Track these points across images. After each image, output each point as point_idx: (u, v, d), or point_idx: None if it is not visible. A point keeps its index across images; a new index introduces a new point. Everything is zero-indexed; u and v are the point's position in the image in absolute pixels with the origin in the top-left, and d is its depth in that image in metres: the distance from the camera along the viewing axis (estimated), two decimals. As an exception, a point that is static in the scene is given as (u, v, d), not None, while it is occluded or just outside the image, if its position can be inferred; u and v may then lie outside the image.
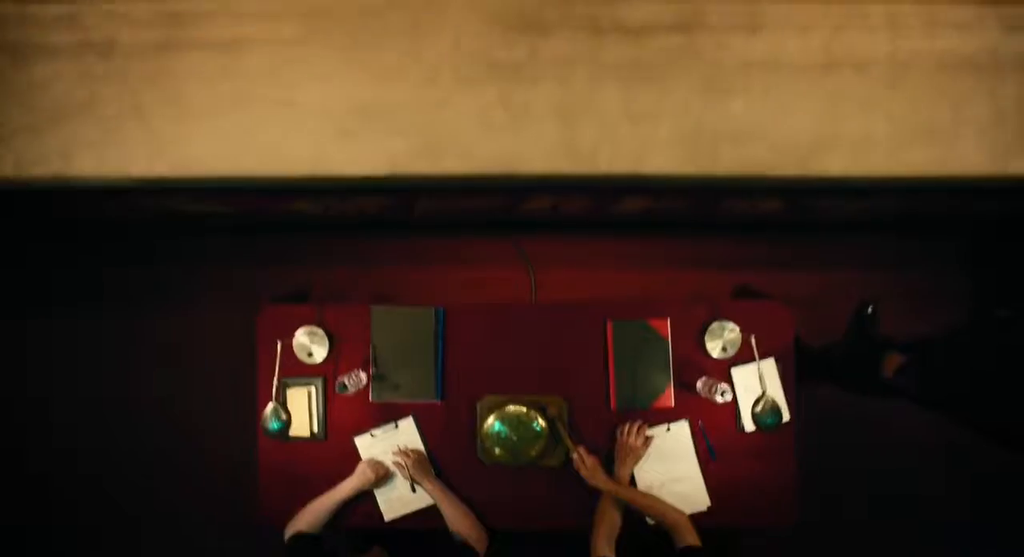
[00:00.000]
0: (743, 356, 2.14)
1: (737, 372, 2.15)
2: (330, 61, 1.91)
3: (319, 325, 2.17)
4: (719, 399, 2.01)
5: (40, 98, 1.95)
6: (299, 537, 1.99)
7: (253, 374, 2.16)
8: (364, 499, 2.17)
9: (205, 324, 2.83)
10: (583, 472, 2.04)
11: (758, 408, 1.93)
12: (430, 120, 1.90)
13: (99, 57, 1.94)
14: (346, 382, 2.04)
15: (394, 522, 2.18)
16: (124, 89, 1.94)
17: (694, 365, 2.18)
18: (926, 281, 2.88)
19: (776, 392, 2.13)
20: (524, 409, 2.12)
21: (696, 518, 2.07)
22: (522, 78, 1.89)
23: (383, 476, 2.14)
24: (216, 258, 2.92)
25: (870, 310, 2.77)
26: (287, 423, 1.95)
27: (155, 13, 1.94)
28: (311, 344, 2.16)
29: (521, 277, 2.91)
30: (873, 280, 2.92)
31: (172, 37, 1.94)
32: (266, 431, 1.95)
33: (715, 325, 2.15)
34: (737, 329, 2.13)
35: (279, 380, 2.04)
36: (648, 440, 2.14)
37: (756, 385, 2.05)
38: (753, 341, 1.98)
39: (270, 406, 1.92)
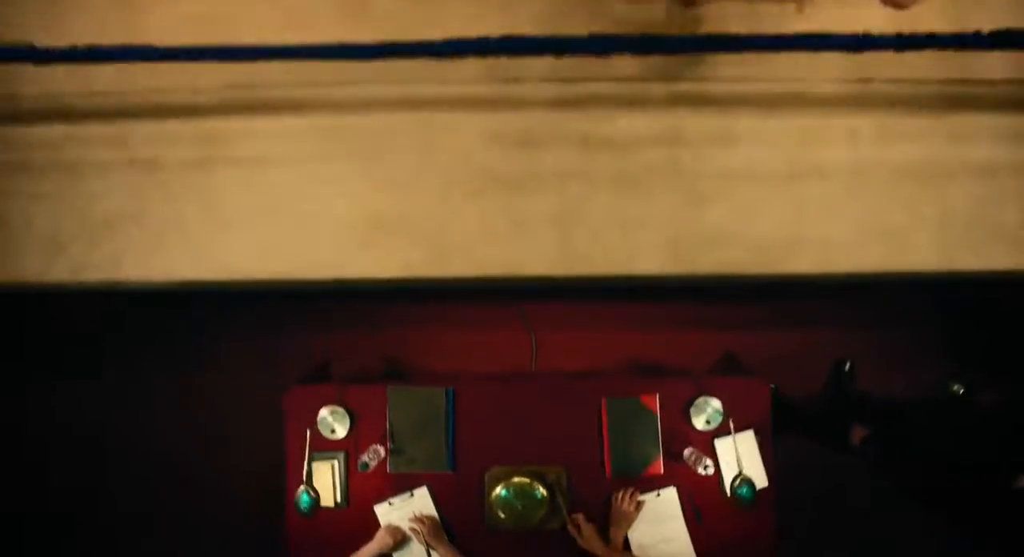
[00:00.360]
0: (726, 428, 2.37)
1: (720, 443, 2.37)
2: (349, 176, 2.15)
3: (340, 404, 2.40)
4: (702, 472, 2.24)
5: (93, 210, 2.18)
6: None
7: (277, 439, 2.38)
8: (384, 562, 2.40)
9: (228, 384, 3.04)
10: (579, 540, 2.26)
11: (735, 483, 2.15)
12: (440, 229, 2.13)
13: (144, 173, 2.18)
14: (367, 460, 2.27)
15: (411, 582, 2.40)
16: (167, 202, 2.17)
17: (681, 436, 2.40)
18: (905, 339, 3.09)
19: (754, 461, 2.35)
20: (527, 480, 2.35)
21: (685, 576, 2.29)
22: (522, 190, 2.13)
23: (401, 541, 2.36)
24: (235, 324, 3.12)
25: (847, 367, 3.00)
26: (316, 501, 2.17)
27: (192, 133, 2.18)
28: (333, 422, 2.39)
29: (523, 339, 3.14)
30: (853, 338, 3.14)
31: (208, 155, 2.17)
32: (298, 509, 2.18)
33: (700, 400, 2.38)
34: (719, 404, 2.36)
35: (308, 462, 2.27)
36: (640, 505, 2.36)
37: (740, 454, 2.27)
38: (731, 422, 2.21)
39: (301, 488, 2.15)
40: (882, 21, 1.98)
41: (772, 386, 2.93)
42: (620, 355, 3.10)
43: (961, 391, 2.37)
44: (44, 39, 1.92)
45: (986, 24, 1.84)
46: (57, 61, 1.84)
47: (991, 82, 2.15)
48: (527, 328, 3.12)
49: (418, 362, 3.01)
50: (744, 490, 2.18)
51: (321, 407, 2.39)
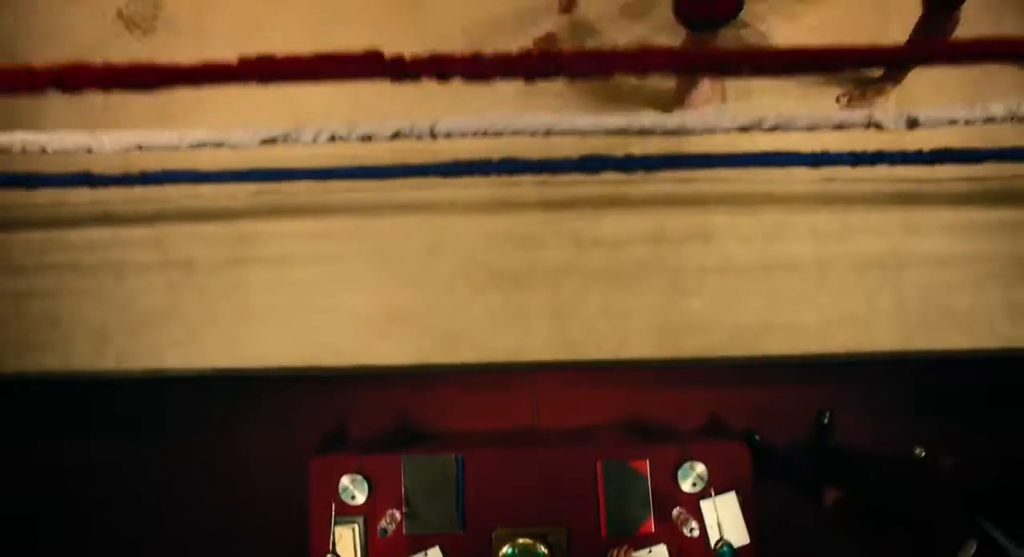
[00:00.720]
0: (709, 491, 2.60)
1: (705, 505, 2.61)
2: (366, 273, 2.39)
3: (359, 472, 2.64)
4: (687, 533, 2.47)
5: (135, 305, 2.43)
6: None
7: (300, 500, 2.61)
8: (400, 615, 2.62)
9: (251, 452, 3.27)
10: (580, 597, 2.50)
11: (717, 545, 2.39)
12: (449, 321, 2.38)
13: (181, 271, 2.42)
14: (385, 526, 2.50)
15: (426, 634, 2.63)
16: (202, 297, 2.42)
17: (671, 497, 2.64)
18: (876, 399, 3.31)
19: (736, 520, 2.59)
20: (531, 541, 2.58)
21: (675, 627, 2.52)
22: (521, 285, 2.38)
23: (416, 597, 2.59)
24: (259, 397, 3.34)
25: (826, 418, 3.23)
26: (341, 565, 2.41)
27: (223, 235, 2.43)
28: (354, 489, 2.62)
29: (525, 398, 3.37)
30: (833, 393, 3.36)
31: (238, 255, 2.42)
32: (324, 574, 2.41)
33: (686, 465, 2.61)
34: (703, 469, 2.60)
35: (333, 533, 2.50)
36: (633, 562, 2.60)
37: (722, 515, 2.51)
38: (712, 489, 2.45)
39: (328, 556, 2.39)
40: (839, 141, 2.23)
41: (756, 438, 3.18)
42: (614, 411, 3.33)
43: (923, 455, 2.60)
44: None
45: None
46: (111, 185, 2.09)
47: (939, 180, 2.40)
48: (530, 392, 3.36)
49: (427, 421, 3.24)
50: (725, 549, 2.41)
51: (342, 475, 2.63)
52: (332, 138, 1.71)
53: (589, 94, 2.41)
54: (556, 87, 2.44)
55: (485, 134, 1.62)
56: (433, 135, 1.70)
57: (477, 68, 1.27)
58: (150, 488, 3.04)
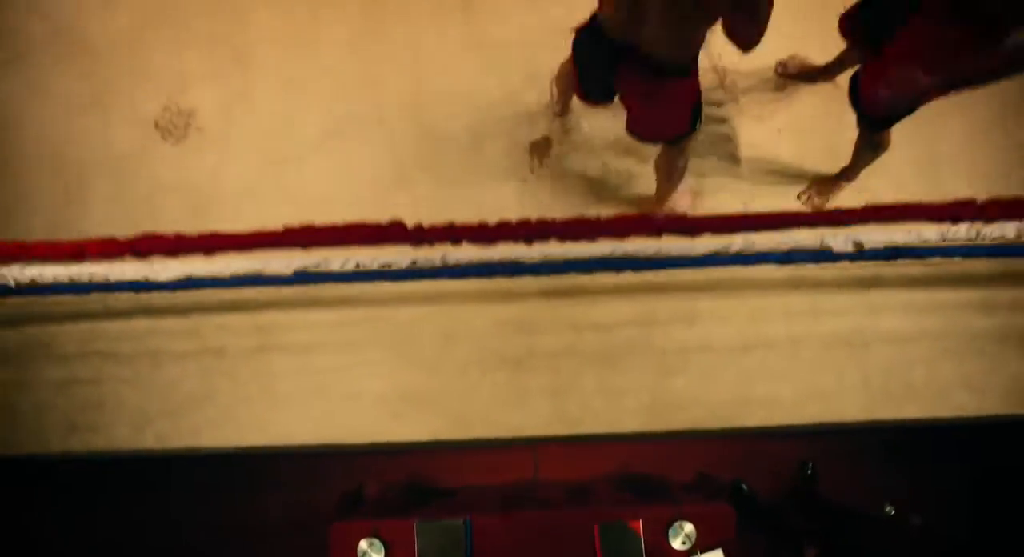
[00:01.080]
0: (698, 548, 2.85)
1: (694, 561, 2.85)
2: (384, 359, 2.64)
3: (376, 536, 2.87)
4: (678, 591, 2.71)
5: (173, 391, 2.66)
6: None
7: None
8: None
9: (272, 511, 3.48)
10: (581, 652, 2.73)
11: (705, 603, 2.63)
12: (460, 401, 2.62)
13: (215, 358, 2.66)
14: (402, 587, 2.73)
15: None
16: (235, 383, 2.65)
17: (662, 554, 2.88)
18: (859, 449, 3.55)
19: (724, 575, 2.83)
20: (536, 598, 2.82)
21: None
22: (523, 368, 2.63)
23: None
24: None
25: (810, 470, 3.48)
26: (362, 627, 2.64)
27: (251, 325, 2.67)
28: (371, 552, 2.85)
29: (526, 454, 3.60)
30: (816, 446, 3.59)
31: (266, 343, 2.66)
32: (348, 635, 2.63)
33: (676, 524, 2.86)
34: (691, 528, 2.84)
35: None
36: (630, 614, 2.83)
37: (710, 570, 2.76)
38: (699, 549, 2.69)
39: (352, 620, 2.61)
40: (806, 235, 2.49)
41: (744, 488, 3.41)
42: (609, 465, 3.57)
43: (893, 513, 2.84)
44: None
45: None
46: (156, 291, 2.33)
47: (897, 266, 2.67)
48: (532, 450, 3.59)
49: (437, 478, 3.47)
50: (713, 606, 2.65)
51: (360, 539, 2.86)
52: (357, 266, 1.97)
53: (577, 194, 2.68)
54: (548, 185, 2.72)
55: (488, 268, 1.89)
56: (444, 264, 1.96)
57: (484, 234, 1.54)
58: (181, 551, 3.26)
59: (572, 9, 2.01)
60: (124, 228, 2.65)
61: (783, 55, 2.80)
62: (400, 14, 2.85)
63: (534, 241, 1.51)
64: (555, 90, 2.63)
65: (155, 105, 2.73)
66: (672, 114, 2.06)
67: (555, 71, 2.47)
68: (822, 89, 2.79)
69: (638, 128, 2.21)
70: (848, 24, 2.20)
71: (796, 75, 2.80)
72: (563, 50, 2.16)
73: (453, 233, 1.48)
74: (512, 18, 2.85)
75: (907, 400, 2.65)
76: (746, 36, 1.69)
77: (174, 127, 2.70)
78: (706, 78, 2.40)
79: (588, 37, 1.95)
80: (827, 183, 2.67)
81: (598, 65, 1.97)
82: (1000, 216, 1.76)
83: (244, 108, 2.71)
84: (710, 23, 1.73)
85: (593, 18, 1.94)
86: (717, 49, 2.71)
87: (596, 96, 2.16)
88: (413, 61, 2.81)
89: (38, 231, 2.67)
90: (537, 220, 1.47)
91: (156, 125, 2.72)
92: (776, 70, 2.82)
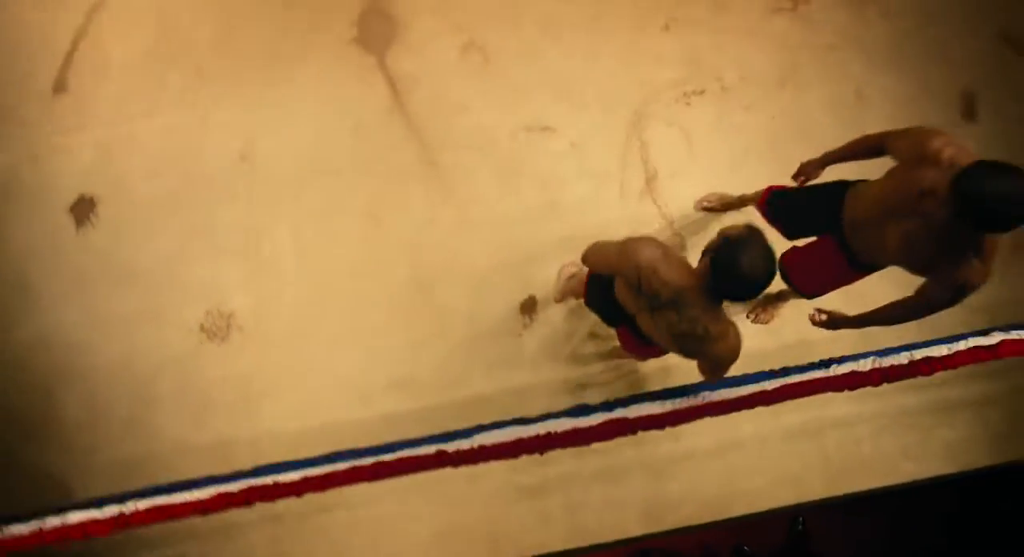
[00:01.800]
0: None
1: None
2: (422, 506, 3.10)
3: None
4: None
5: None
6: None
7: None
8: None
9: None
10: None
11: None
12: (490, 528, 3.09)
13: (274, 525, 3.11)
14: None
15: None
16: (301, 543, 3.10)
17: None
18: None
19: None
20: None
21: None
22: (539, 494, 3.10)
23: None
24: None
25: (800, 525, 3.96)
26: None
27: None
28: None
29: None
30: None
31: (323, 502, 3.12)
32: None
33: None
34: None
35: None
36: None
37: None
38: (711, 627, 3.18)
39: None
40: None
41: (745, 549, 3.90)
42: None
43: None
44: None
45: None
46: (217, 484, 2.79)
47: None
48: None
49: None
50: None
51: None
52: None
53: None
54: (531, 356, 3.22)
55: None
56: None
57: (503, 450, 2.05)
58: None
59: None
60: (189, 421, 3.12)
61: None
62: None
63: (542, 449, 2.02)
64: (562, 283, 3.12)
65: (198, 310, 3.21)
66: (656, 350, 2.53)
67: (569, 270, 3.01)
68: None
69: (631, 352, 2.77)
70: (766, 212, 2.69)
71: (718, 208, 3.28)
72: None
73: (482, 454, 1.98)
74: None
75: (861, 473, 3.17)
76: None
77: (217, 329, 3.18)
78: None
79: (599, 289, 2.44)
80: (767, 302, 3.21)
81: (607, 311, 2.51)
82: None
83: (275, 306, 3.20)
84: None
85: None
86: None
87: (602, 318, 2.69)
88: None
89: (115, 431, 3.12)
90: (543, 436, 1.97)
91: (202, 328, 3.19)
92: (696, 206, 3.28)
